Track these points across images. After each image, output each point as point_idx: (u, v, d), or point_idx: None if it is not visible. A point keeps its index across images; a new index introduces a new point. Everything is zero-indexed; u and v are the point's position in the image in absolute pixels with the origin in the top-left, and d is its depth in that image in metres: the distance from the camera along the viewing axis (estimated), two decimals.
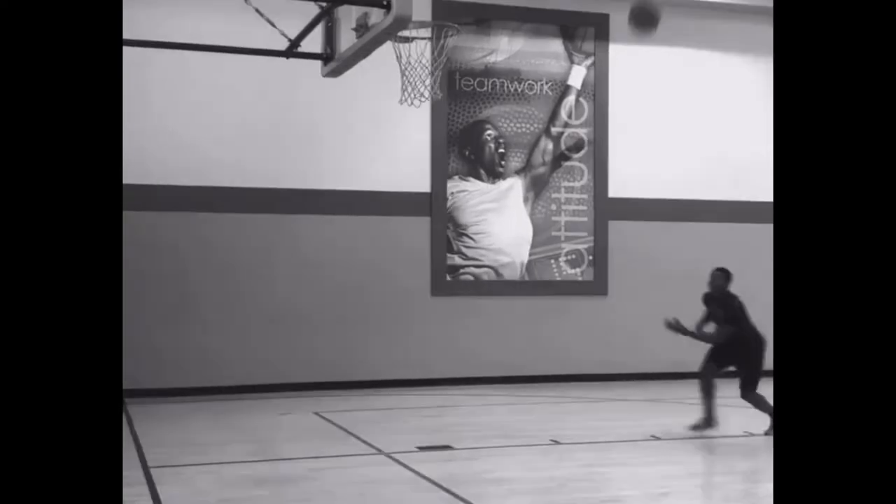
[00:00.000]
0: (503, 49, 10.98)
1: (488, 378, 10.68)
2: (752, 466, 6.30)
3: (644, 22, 6.96)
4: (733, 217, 11.53)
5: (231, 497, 5.53)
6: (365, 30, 5.90)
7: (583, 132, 11.21)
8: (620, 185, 11.27)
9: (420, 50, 7.10)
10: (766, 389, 9.88)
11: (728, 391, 10.13)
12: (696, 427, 7.46)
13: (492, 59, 10.87)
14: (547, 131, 11.12)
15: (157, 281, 9.77)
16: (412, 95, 6.68)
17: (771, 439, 6.79)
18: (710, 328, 7.67)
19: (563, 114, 11.17)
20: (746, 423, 7.98)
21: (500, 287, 10.86)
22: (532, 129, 11.07)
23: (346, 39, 6.32)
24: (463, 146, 10.81)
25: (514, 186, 11.01)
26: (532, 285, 11.00)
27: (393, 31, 5.76)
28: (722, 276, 7.58)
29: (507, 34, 11.01)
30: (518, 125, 11.02)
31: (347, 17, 6.25)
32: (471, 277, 10.65)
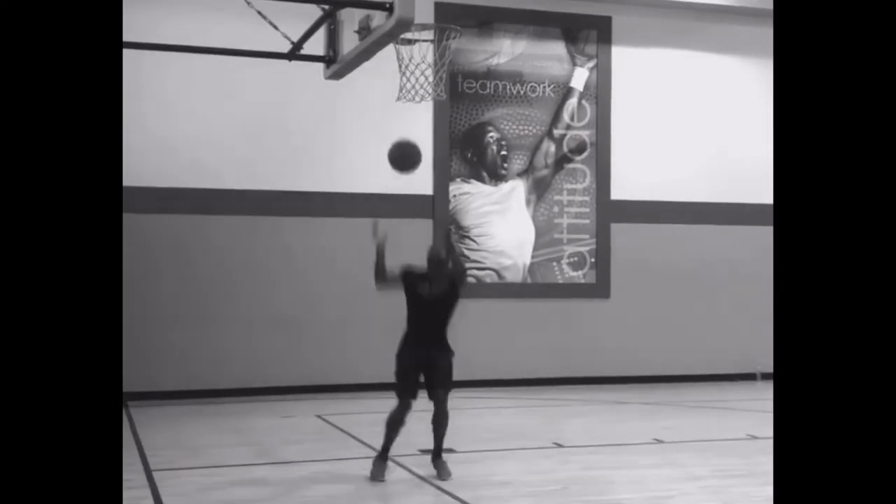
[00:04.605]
0: (506, 51, 10.98)
1: (490, 381, 10.67)
2: (753, 469, 6.29)
3: (404, 161, 6.94)
4: (735, 219, 11.51)
5: (232, 499, 5.53)
6: (367, 32, 5.91)
7: (585, 134, 11.21)
8: (622, 188, 11.27)
9: (422, 52, 7.11)
10: (767, 390, 9.85)
11: (730, 394, 10.10)
12: None
13: (494, 61, 10.87)
14: (549, 133, 11.12)
15: (159, 284, 9.78)
16: (412, 94, 6.70)
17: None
18: None
19: (566, 116, 11.17)
20: (748, 425, 7.97)
21: (502, 289, 10.85)
22: (534, 131, 11.06)
23: (349, 42, 6.33)
24: (465, 148, 10.81)
25: (516, 189, 11.01)
26: (534, 288, 10.99)
27: (395, 34, 5.76)
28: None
29: (510, 37, 11.01)
30: (520, 127, 11.02)
31: (350, 19, 6.26)
32: (473, 280, 10.63)
